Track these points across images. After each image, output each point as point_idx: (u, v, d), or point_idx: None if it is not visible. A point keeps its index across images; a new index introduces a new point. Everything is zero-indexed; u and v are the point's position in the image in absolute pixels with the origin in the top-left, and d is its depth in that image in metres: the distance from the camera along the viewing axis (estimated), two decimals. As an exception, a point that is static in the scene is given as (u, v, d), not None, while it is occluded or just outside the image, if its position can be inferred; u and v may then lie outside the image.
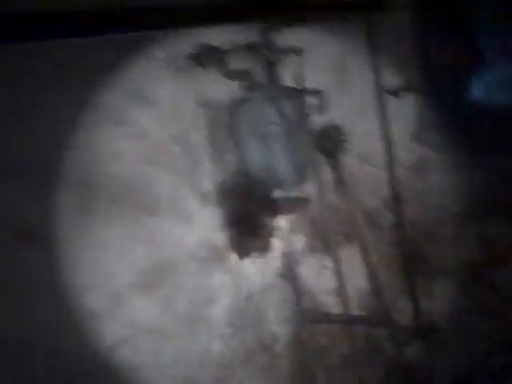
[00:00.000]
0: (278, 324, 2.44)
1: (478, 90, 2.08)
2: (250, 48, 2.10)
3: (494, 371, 2.32)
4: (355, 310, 2.50)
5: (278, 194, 2.25)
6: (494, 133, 2.13)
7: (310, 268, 2.53)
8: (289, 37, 2.20)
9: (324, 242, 2.43)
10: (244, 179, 2.15)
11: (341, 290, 2.47)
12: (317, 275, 2.54)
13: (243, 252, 2.20)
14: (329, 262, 2.46)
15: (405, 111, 2.41)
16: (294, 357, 2.53)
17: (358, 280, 2.45)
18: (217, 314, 2.14)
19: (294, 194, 2.28)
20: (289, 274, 2.48)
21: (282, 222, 2.39)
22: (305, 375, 2.58)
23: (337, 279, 2.45)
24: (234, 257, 2.18)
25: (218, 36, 2.06)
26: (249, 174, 2.12)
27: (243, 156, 2.12)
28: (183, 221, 2.12)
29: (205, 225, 2.15)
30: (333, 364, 2.62)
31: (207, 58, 2.01)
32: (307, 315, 2.56)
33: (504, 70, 2.11)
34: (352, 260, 2.43)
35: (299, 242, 2.51)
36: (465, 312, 2.35)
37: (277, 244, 2.41)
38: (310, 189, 2.35)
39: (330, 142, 2.30)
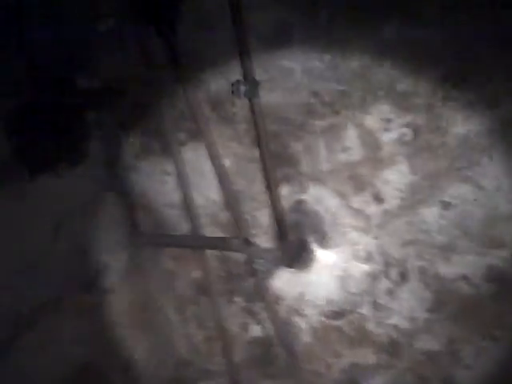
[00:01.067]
0: (107, 250, 2.34)
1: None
2: None
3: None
4: (206, 229, 2.40)
5: (82, 82, 2.03)
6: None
7: (146, 175, 2.43)
8: None
9: (163, 141, 2.30)
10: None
11: (187, 203, 2.35)
12: (156, 184, 2.44)
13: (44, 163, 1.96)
14: (170, 167, 2.33)
15: None
16: (134, 287, 2.46)
17: (207, 189, 2.34)
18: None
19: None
20: (119, 185, 2.37)
21: (100, 117, 2.17)
22: (149, 307, 2.56)
23: (181, 189, 2.33)
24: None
25: None
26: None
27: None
28: None
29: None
30: (183, 293, 2.61)
31: None
32: (146, 237, 2.47)
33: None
34: (199, 164, 2.29)
35: (130, 142, 2.38)
36: (342, 225, 2.20)
37: (96, 148, 2.24)
38: (135, 70, 2.15)
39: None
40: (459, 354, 2.20)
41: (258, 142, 1.99)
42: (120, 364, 2.38)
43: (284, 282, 2.36)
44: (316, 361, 2.47)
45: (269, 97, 2.01)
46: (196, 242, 2.37)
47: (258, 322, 2.54)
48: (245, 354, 2.62)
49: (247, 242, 2.12)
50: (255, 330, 2.57)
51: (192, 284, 2.56)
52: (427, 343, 2.25)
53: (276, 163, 2.07)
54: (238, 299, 2.52)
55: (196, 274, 2.51)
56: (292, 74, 1.99)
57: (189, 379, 2.72)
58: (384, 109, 1.94)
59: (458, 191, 1.98)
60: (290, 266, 2.15)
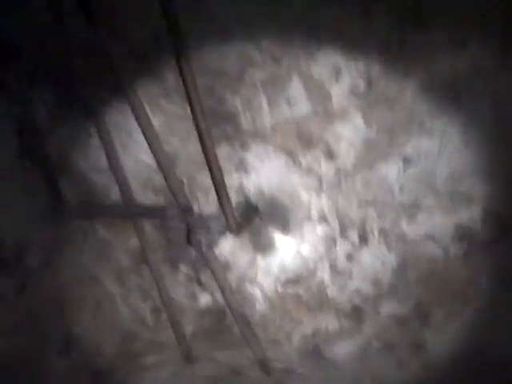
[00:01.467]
0: (28, 225, 2.17)
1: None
2: None
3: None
4: (140, 194, 2.28)
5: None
6: None
7: (66, 138, 2.23)
8: None
9: (82, 99, 2.08)
10: None
11: (116, 167, 2.17)
12: (79, 147, 2.25)
13: None
14: (93, 128, 2.13)
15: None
16: (65, 262, 2.35)
17: (137, 151, 2.18)
18: None
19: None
20: (34, 150, 2.17)
21: (3, 76, 1.98)
22: (85, 281, 2.45)
23: (108, 151, 2.15)
24: None
25: None
26: None
27: None
28: None
29: None
30: (122, 263, 2.49)
31: None
32: (72, 207, 2.31)
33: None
34: (126, 124, 2.11)
35: (44, 102, 2.17)
36: (290, 185, 2.06)
37: (2, 111, 2.05)
38: (42, 21, 1.94)
39: None
40: (428, 318, 2.14)
41: (189, 97, 1.81)
42: (57, 346, 2.27)
43: (232, 248, 2.26)
44: (274, 330, 2.41)
45: (199, 46, 1.83)
46: (129, 212, 2.20)
47: (208, 291, 2.44)
48: (195, 325, 2.54)
49: (186, 210, 1.94)
50: (205, 300, 2.48)
51: (130, 253, 2.44)
52: (393, 308, 2.18)
53: (212, 120, 1.90)
54: (182, 268, 2.41)
55: (134, 242, 2.36)
56: (225, 19, 1.80)
57: (137, 353, 2.63)
58: (332, 56, 1.77)
59: (420, 145, 1.85)
60: (236, 233, 1.91)
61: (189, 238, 1.92)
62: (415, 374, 2.17)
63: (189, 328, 2.52)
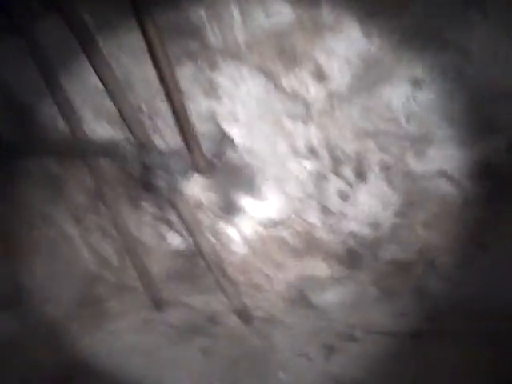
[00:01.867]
0: None
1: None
2: None
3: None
4: (91, 124, 1.93)
5: None
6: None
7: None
8: None
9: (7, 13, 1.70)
10: None
11: (60, 94, 1.82)
12: (12, 68, 1.88)
13: None
14: (26, 45, 1.76)
15: None
16: (6, 205, 2.05)
17: (82, 71, 1.79)
18: None
19: None
20: None
21: None
22: (36, 224, 2.16)
23: (48, 75, 1.80)
24: None
25: None
26: None
27: None
28: None
29: None
30: (78, 201, 2.18)
31: None
32: (10, 145, 1.94)
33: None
34: (63, 37, 1.68)
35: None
36: (272, 113, 1.73)
37: None
38: None
39: None
40: (434, 264, 1.82)
41: (136, 7, 1.44)
42: (2, 300, 2.02)
43: (203, 188, 1.94)
44: (253, 273, 2.12)
45: None
46: (78, 149, 1.71)
47: (177, 232, 2.14)
48: (165, 268, 2.26)
49: (142, 146, 1.52)
50: (175, 241, 2.18)
51: (87, 191, 2.14)
52: (394, 252, 1.85)
53: (170, 35, 1.56)
54: (145, 205, 2.11)
55: (90, 178, 2.04)
56: None
57: (100, 299, 2.39)
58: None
59: (434, 61, 1.45)
60: (204, 171, 1.68)
61: (145, 181, 1.46)
62: (416, 325, 1.86)
63: (157, 270, 2.24)
